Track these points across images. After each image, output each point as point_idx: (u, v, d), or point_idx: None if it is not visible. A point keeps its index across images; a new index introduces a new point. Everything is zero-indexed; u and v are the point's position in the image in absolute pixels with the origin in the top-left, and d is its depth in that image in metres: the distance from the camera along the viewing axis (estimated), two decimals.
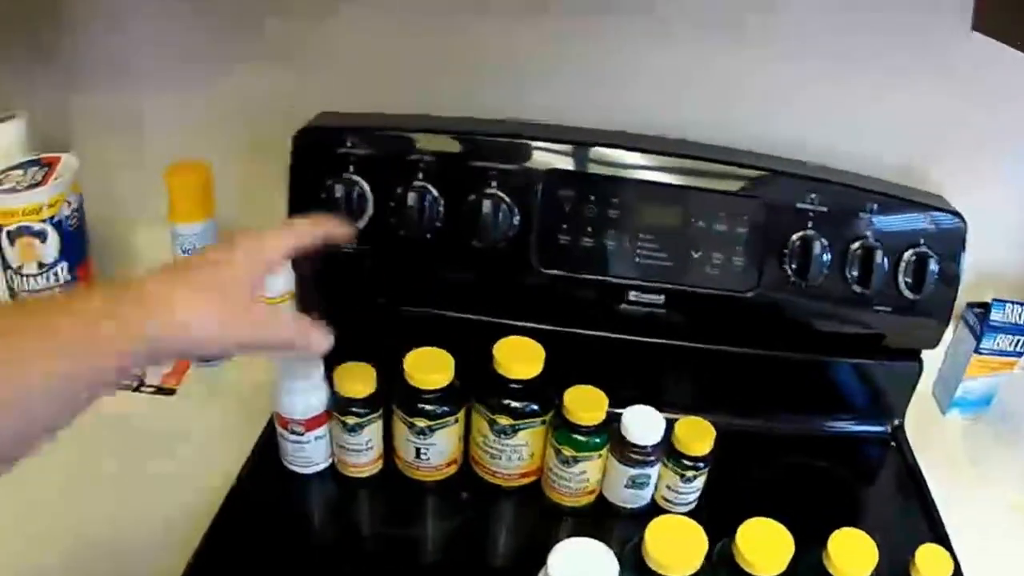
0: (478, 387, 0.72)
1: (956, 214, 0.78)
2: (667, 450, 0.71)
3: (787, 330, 0.81)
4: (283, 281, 0.85)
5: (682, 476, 0.71)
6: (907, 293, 0.78)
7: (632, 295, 0.79)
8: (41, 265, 0.80)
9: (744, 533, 0.60)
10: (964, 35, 0.76)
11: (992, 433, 0.88)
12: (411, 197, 0.77)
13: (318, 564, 0.69)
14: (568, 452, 0.70)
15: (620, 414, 0.70)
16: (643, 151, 0.78)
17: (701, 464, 0.71)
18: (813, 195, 0.76)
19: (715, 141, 0.81)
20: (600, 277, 0.79)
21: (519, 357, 0.70)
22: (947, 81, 0.83)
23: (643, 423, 0.69)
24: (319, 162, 0.78)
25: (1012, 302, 0.85)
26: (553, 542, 0.55)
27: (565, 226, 0.78)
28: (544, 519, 0.73)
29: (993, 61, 0.78)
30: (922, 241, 0.77)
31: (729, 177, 0.78)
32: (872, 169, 0.82)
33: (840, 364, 0.83)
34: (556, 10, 0.84)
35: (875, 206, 0.77)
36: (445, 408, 0.71)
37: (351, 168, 0.77)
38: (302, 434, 0.72)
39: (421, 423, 0.70)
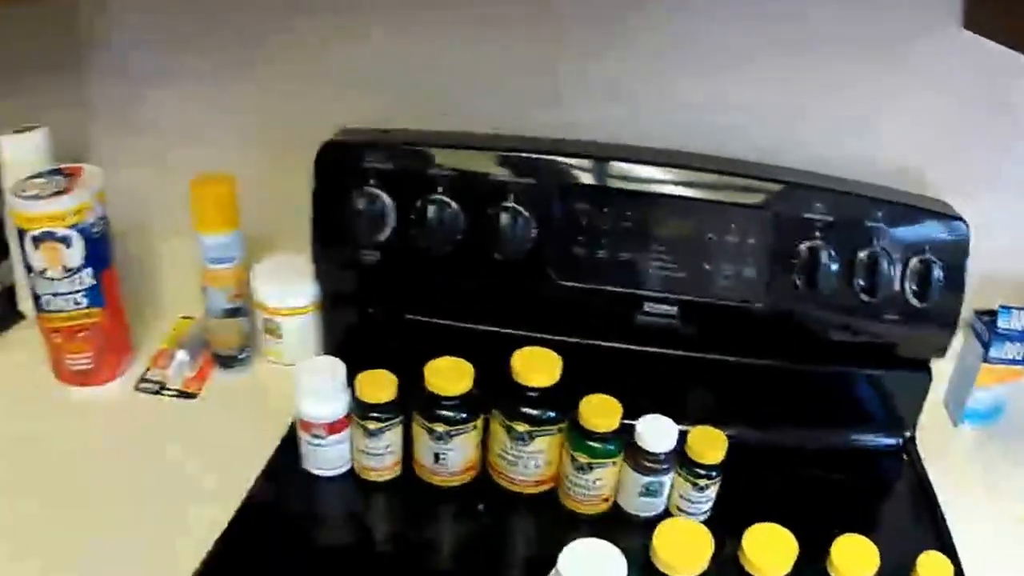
0: (496, 396, 0.73)
1: (960, 219, 0.78)
2: (680, 459, 0.72)
3: (797, 340, 0.82)
4: (307, 293, 0.87)
5: (694, 485, 0.72)
6: (913, 301, 0.78)
7: (647, 306, 0.81)
8: (67, 269, 0.81)
9: (750, 537, 0.61)
10: (965, 39, 0.78)
11: (1003, 445, 0.88)
12: (431, 210, 0.79)
13: (336, 566, 0.70)
14: (583, 459, 0.71)
15: (635, 425, 0.71)
16: (657, 165, 0.79)
17: (713, 473, 0.72)
18: (819, 204, 0.77)
19: (722, 153, 0.83)
20: (616, 289, 0.81)
21: (537, 366, 0.72)
22: (949, 86, 0.84)
23: (657, 431, 0.71)
24: (342, 175, 0.80)
25: (1020, 308, 0.84)
26: None
27: (581, 239, 0.80)
28: (559, 526, 0.74)
29: (998, 66, 0.79)
30: (927, 248, 0.78)
31: (739, 189, 0.79)
32: (876, 175, 0.82)
33: (850, 375, 0.84)
34: (571, 32, 0.87)
35: (880, 214, 0.77)
36: (464, 414, 0.72)
37: (373, 182, 0.79)
38: (324, 438, 0.74)
39: (440, 428, 0.72)
